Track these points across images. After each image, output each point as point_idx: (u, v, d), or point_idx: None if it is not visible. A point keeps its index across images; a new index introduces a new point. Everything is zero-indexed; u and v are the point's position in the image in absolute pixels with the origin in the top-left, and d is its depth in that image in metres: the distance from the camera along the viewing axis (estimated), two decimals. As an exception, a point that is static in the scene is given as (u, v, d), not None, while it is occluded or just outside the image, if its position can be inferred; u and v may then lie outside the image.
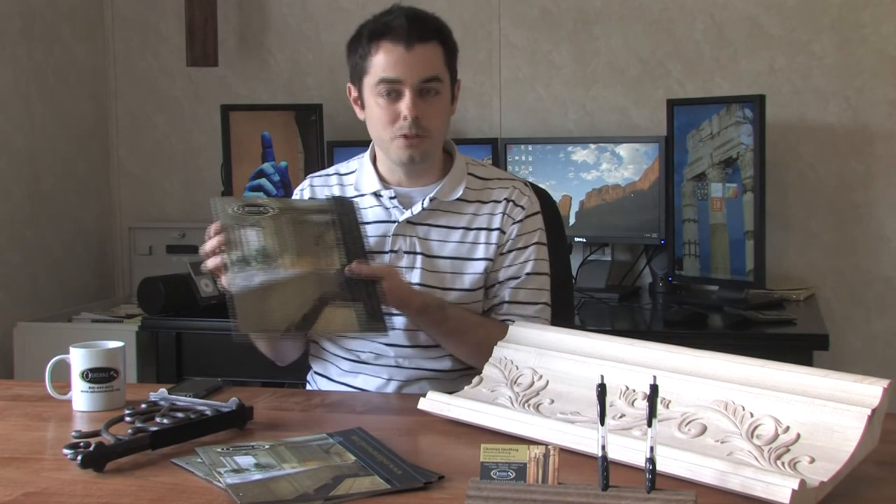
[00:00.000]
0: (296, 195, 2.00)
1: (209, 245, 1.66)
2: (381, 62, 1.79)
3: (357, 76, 1.85)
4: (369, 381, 1.88)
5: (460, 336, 1.83)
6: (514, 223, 1.89)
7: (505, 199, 1.90)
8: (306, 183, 2.00)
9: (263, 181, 3.34)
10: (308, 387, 2.00)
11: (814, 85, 3.23)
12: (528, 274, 1.89)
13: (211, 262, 1.66)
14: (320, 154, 3.33)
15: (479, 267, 1.87)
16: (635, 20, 3.36)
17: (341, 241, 1.72)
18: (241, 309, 1.59)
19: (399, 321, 1.83)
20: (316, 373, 1.98)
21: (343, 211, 1.78)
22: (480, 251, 1.87)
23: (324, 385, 1.94)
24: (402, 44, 1.77)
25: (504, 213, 1.89)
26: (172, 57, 3.72)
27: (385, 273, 1.72)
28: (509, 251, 1.88)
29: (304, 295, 1.63)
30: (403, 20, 1.78)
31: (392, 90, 1.79)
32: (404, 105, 1.78)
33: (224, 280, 1.64)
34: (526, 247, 1.90)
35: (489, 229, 1.88)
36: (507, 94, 3.49)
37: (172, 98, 3.75)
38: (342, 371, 1.91)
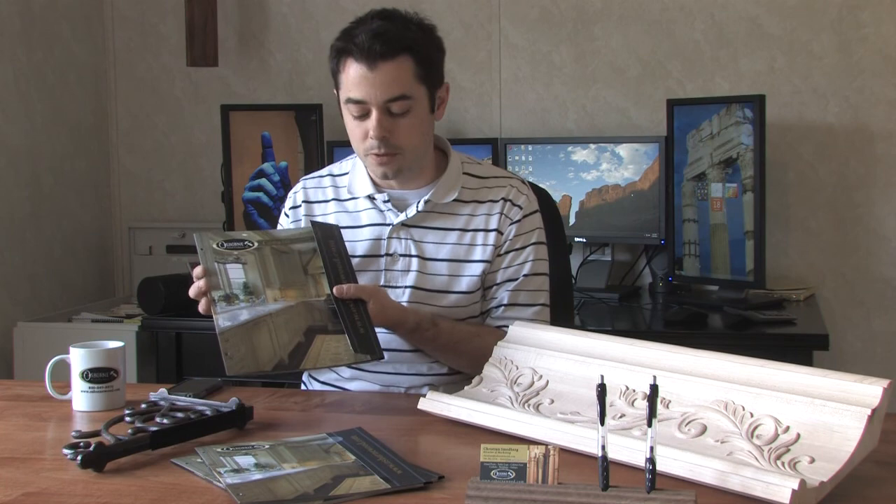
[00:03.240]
0: (290, 198, 1.97)
1: (193, 291, 1.65)
2: (348, 81, 1.75)
3: (335, 85, 1.82)
4: (370, 388, 1.87)
5: (455, 348, 1.81)
6: (511, 223, 1.85)
7: (502, 198, 1.86)
8: (300, 186, 1.97)
9: (263, 181, 3.34)
10: (303, 387, 1.99)
11: (814, 85, 3.23)
12: (525, 275, 1.86)
13: (202, 307, 1.65)
14: (320, 154, 3.33)
15: (477, 269, 1.84)
16: (635, 20, 3.36)
17: (327, 267, 1.70)
18: (228, 350, 1.56)
19: None
20: (311, 376, 1.96)
21: (326, 235, 1.76)
22: (478, 253, 1.85)
23: (319, 388, 1.93)
24: (364, 63, 1.71)
25: (501, 214, 1.85)
26: (172, 57, 3.72)
27: (372, 294, 1.69)
28: (507, 252, 1.85)
29: (291, 329, 1.61)
30: (365, 38, 1.71)
31: (359, 109, 1.75)
32: (370, 125, 1.75)
33: (214, 318, 1.62)
34: (524, 247, 1.86)
35: (486, 230, 1.85)
36: (507, 94, 3.48)
37: (172, 98, 3.75)
38: (340, 377, 1.90)
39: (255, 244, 1.71)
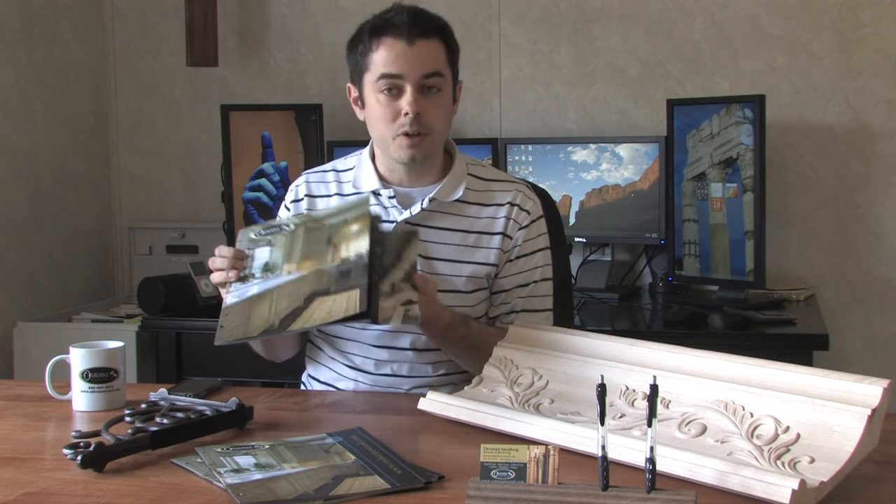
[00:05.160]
0: (291, 191, 1.95)
1: (217, 262, 1.68)
2: (383, 58, 1.77)
3: (357, 74, 1.83)
4: (369, 390, 1.87)
5: (480, 348, 1.75)
6: (520, 228, 1.86)
7: (509, 202, 1.87)
8: (302, 179, 1.96)
9: (263, 181, 3.34)
10: (303, 387, 1.98)
11: (814, 85, 3.23)
12: (536, 281, 1.87)
13: (214, 277, 1.68)
14: (320, 154, 3.33)
15: (480, 270, 1.84)
16: (635, 20, 3.36)
17: (369, 245, 1.60)
18: (223, 321, 1.59)
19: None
20: (310, 376, 1.96)
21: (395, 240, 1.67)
22: (481, 255, 1.85)
23: (320, 388, 1.93)
24: (403, 39, 1.76)
25: (508, 218, 1.86)
26: (172, 57, 3.72)
27: (427, 286, 1.65)
28: (517, 258, 1.86)
29: (294, 296, 1.58)
30: (405, 16, 1.77)
31: (393, 86, 1.77)
32: (405, 101, 1.76)
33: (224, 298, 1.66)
34: (534, 253, 1.88)
35: (491, 233, 1.85)
36: (507, 94, 3.49)
37: (172, 98, 3.75)
38: (341, 377, 1.90)
39: (292, 226, 1.71)
